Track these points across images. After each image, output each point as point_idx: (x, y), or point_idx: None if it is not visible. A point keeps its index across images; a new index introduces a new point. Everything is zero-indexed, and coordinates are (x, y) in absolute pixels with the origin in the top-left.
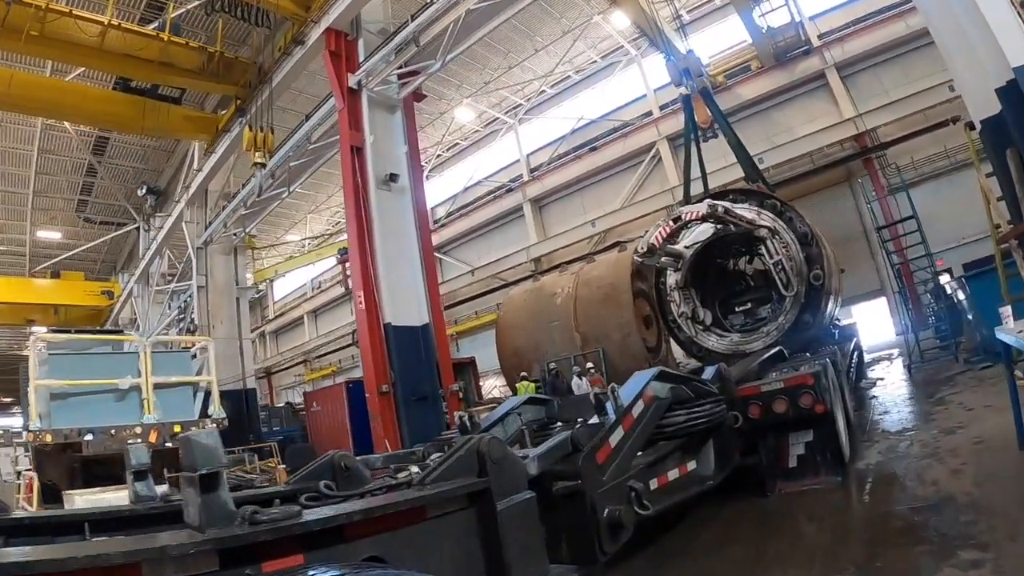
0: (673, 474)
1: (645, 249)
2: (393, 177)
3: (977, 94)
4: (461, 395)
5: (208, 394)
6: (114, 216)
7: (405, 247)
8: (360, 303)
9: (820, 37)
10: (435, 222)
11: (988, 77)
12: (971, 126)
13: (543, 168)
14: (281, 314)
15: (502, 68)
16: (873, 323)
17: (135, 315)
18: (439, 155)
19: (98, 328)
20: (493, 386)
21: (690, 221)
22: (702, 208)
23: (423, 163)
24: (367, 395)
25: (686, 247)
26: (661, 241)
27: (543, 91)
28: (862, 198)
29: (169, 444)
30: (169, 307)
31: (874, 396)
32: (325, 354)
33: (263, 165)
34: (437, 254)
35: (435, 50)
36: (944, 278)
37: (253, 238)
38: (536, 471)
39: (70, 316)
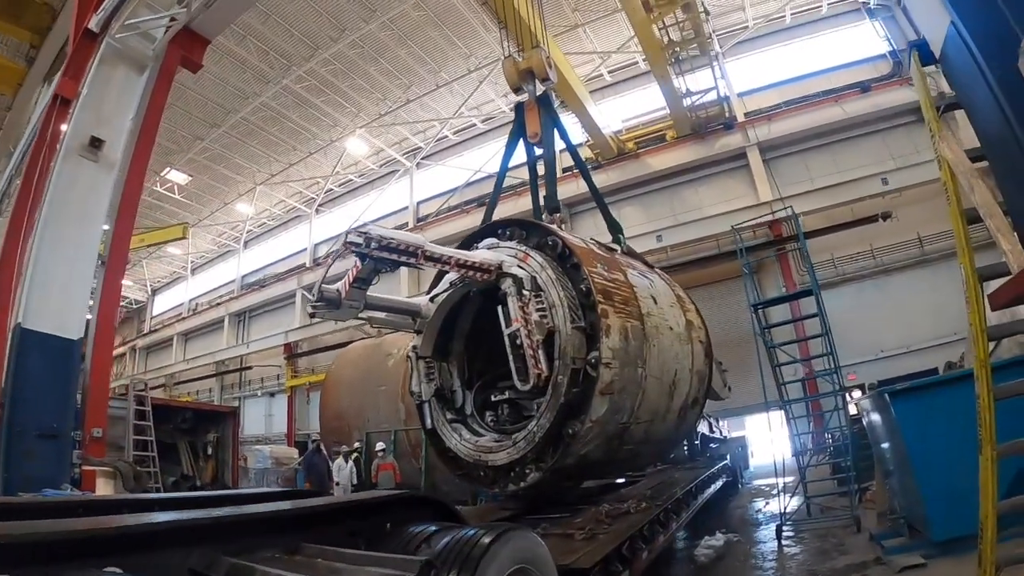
0: None
1: (316, 296)
2: (96, 143)
3: None
4: (210, 452)
5: None
6: None
7: (84, 236)
8: None
9: (747, 115)
10: (315, 260)
11: None
12: (922, 54)
13: (431, 218)
14: (155, 330)
15: (401, 101)
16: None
17: None
18: (330, 189)
19: None
20: None
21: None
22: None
23: (313, 196)
24: None
25: (432, 299)
26: (348, 287)
27: (445, 136)
28: (772, 291)
29: None
30: None
31: None
32: (186, 381)
33: None
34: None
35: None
36: (856, 394)
37: None
38: None
39: None
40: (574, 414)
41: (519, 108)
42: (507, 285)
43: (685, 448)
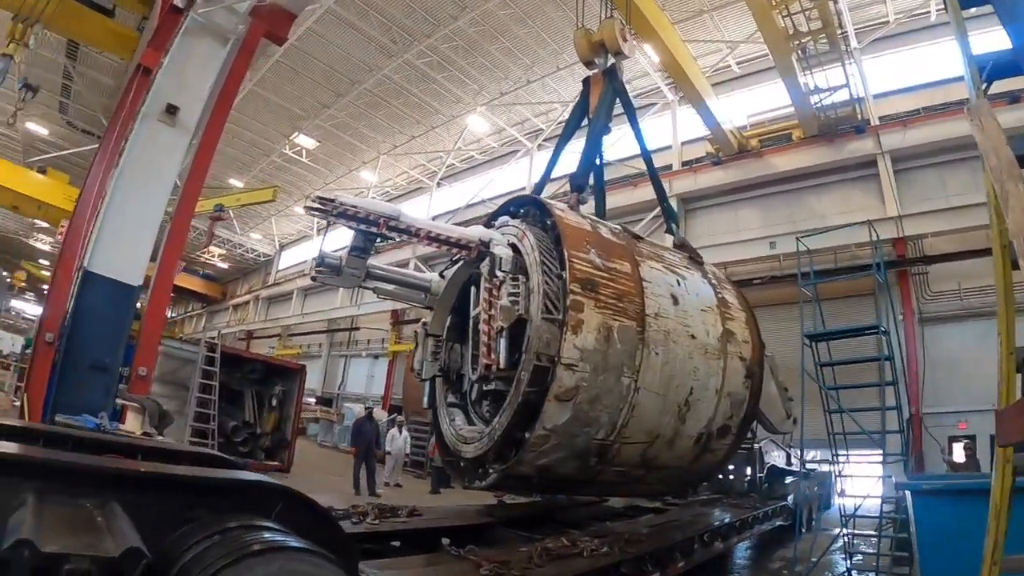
0: None
1: (318, 261)
2: (172, 109)
3: None
4: (275, 404)
5: None
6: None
7: (154, 193)
8: (62, 232)
9: (880, 119)
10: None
11: None
12: None
13: None
14: (278, 283)
15: (521, 81)
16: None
17: None
18: (451, 164)
19: None
20: None
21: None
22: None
23: (435, 169)
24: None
25: (441, 275)
26: (348, 255)
27: (566, 120)
28: (889, 316)
29: None
30: None
31: None
32: (299, 334)
33: (10, 56)
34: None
35: None
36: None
37: None
38: None
39: (48, 214)
40: (524, 416)
41: (586, 83)
42: (483, 265)
43: (747, 480)
